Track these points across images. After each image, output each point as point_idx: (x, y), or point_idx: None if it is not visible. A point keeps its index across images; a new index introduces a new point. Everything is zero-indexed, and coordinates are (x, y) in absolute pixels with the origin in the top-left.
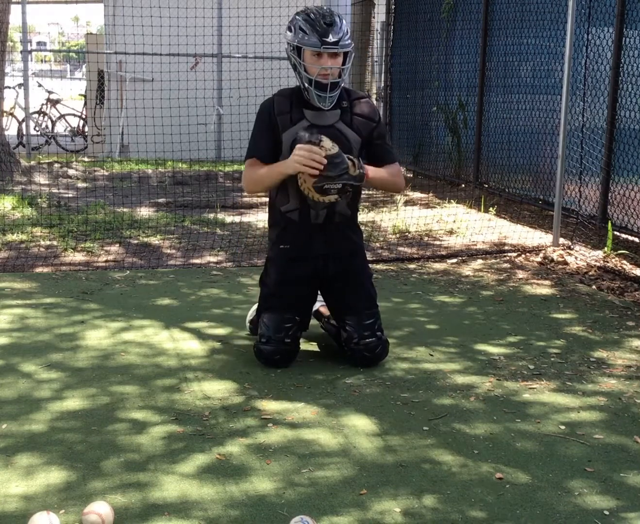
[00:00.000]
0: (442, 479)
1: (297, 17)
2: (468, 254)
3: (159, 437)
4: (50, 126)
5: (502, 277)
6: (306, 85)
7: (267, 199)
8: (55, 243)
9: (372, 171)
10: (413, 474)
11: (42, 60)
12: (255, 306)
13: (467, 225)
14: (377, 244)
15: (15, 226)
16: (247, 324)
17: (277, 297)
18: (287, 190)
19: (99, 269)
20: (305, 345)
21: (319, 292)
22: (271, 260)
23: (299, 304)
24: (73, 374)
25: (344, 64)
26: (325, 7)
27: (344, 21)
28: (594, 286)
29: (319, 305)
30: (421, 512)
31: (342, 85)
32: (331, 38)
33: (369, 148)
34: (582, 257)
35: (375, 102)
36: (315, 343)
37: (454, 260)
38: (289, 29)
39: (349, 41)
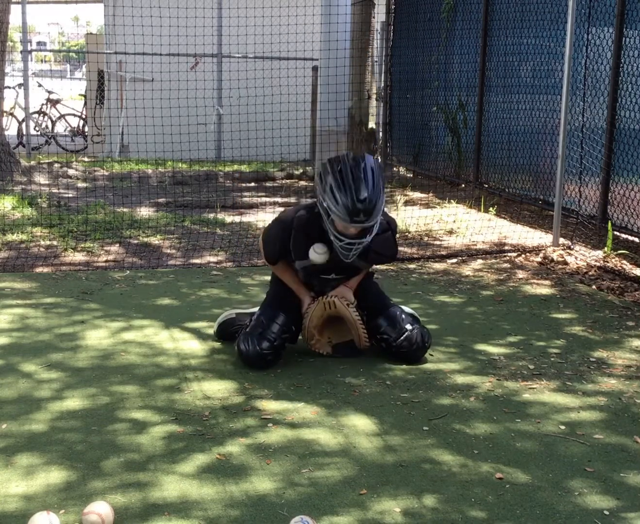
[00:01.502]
0: (442, 479)
1: (329, 169)
2: (468, 254)
3: (159, 437)
4: (50, 126)
5: (502, 277)
6: (332, 238)
7: (268, 199)
8: (55, 243)
9: (354, 283)
10: (413, 474)
11: (42, 60)
12: (220, 318)
13: (467, 225)
14: None
15: (15, 226)
16: (216, 326)
17: (286, 300)
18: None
19: (99, 269)
20: (305, 345)
21: None
22: (274, 281)
23: (299, 317)
24: (73, 374)
25: (371, 231)
26: (360, 161)
27: (376, 183)
28: (594, 286)
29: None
30: (421, 512)
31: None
32: (362, 217)
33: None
34: (582, 256)
35: (375, 103)
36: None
37: (454, 260)
38: (320, 177)
39: (380, 208)
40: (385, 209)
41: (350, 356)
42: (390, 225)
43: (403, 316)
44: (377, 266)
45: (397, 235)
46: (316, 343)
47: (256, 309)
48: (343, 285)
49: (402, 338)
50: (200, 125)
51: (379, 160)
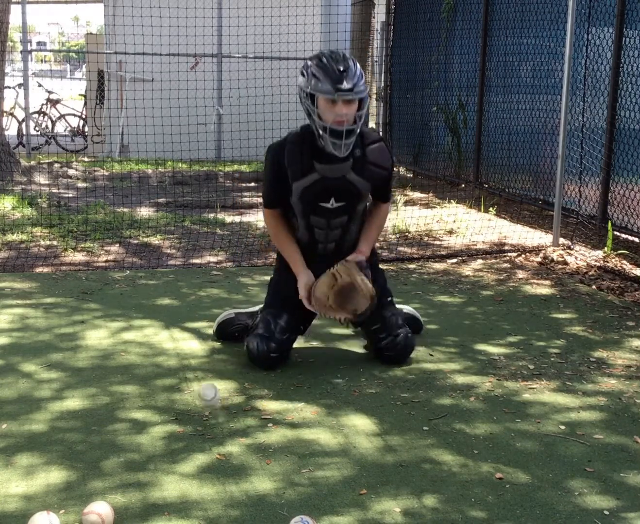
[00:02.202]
0: (442, 479)
1: (309, 62)
2: (468, 254)
3: (159, 437)
4: (50, 126)
5: (502, 277)
6: (321, 132)
7: None
8: (55, 243)
9: (366, 250)
10: (413, 474)
11: (42, 60)
12: (219, 318)
13: (467, 225)
14: (377, 244)
15: (15, 226)
16: (216, 326)
17: (288, 300)
18: (297, 221)
19: (99, 269)
20: (305, 345)
21: None
22: (279, 271)
23: (304, 314)
24: (73, 374)
25: (359, 109)
26: (339, 51)
27: (357, 65)
28: (594, 286)
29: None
30: (421, 512)
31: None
32: (345, 85)
33: (373, 188)
34: (582, 256)
35: (375, 103)
36: (316, 343)
37: (454, 260)
38: (302, 74)
39: (364, 87)
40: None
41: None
42: (383, 139)
43: (394, 319)
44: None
45: (397, 235)
46: (337, 315)
47: (256, 308)
48: (356, 251)
49: (387, 340)
50: (200, 125)
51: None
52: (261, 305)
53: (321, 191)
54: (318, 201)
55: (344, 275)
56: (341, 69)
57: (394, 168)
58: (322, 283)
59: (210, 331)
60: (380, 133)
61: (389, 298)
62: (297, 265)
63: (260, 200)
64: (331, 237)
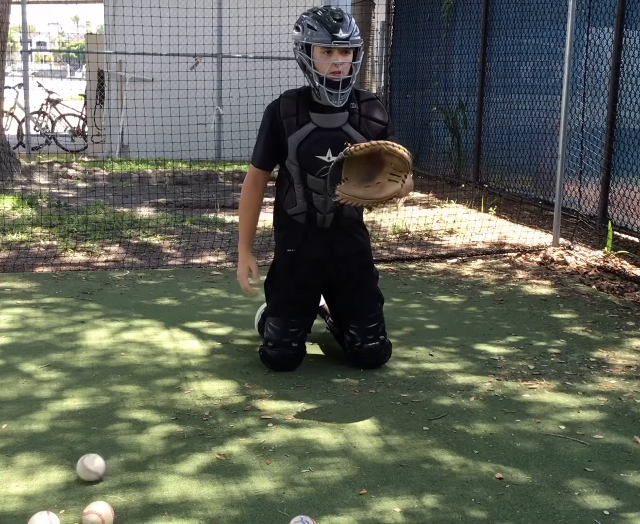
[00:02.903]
0: (442, 479)
1: (304, 16)
2: (468, 254)
3: (159, 437)
4: (50, 126)
5: (502, 277)
6: (317, 83)
7: (268, 199)
8: (55, 243)
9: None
10: (413, 474)
11: (42, 60)
12: (261, 309)
13: (467, 225)
14: (377, 244)
15: (15, 226)
16: (256, 327)
17: (284, 301)
18: (294, 193)
19: (99, 269)
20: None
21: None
22: (278, 262)
23: (306, 308)
24: (73, 374)
25: (354, 59)
26: (332, 6)
27: (352, 18)
28: (594, 286)
29: (322, 301)
30: (421, 512)
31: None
32: (341, 33)
33: None
34: (582, 256)
35: None
36: (316, 344)
37: (454, 260)
38: (297, 28)
39: (359, 37)
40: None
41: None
42: (378, 97)
43: (379, 327)
44: (376, 265)
45: (397, 235)
46: (342, 188)
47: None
48: None
49: (370, 344)
50: (200, 125)
51: None
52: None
53: (317, 142)
54: (314, 153)
55: (355, 150)
56: (337, 18)
57: (391, 121)
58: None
59: (211, 331)
60: None
61: (379, 304)
62: (245, 242)
63: None
64: (330, 205)
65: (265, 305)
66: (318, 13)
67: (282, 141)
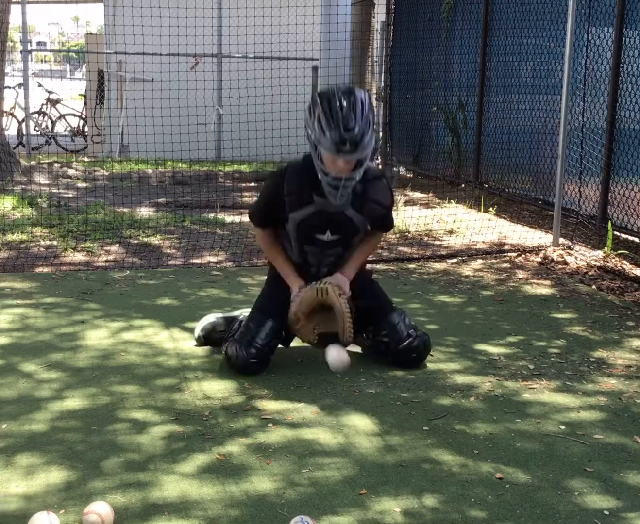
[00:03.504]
0: (442, 479)
1: (318, 101)
2: (468, 254)
3: (159, 437)
4: (50, 126)
5: (502, 277)
6: (320, 174)
7: None
8: (55, 243)
9: (350, 273)
10: (413, 474)
11: (42, 60)
12: (209, 318)
13: (467, 225)
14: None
15: (15, 226)
16: (200, 332)
17: (277, 305)
18: (290, 244)
19: (99, 269)
20: (305, 345)
21: None
22: (272, 277)
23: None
24: (73, 374)
25: (361, 162)
26: (349, 91)
27: (365, 108)
28: (594, 286)
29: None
30: (421, 512)
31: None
32: (348, 146)
33: (371, 222)
34: (582, 256)
35: (375, 103)
36: (316, 344)
37: (454, 260)
38: (309, 110)
39: (369, 141)
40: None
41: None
42: (383, 173)
43: (406, 321)
44: (376, 266)
45: (397, 235)
46: (301, 328)
47: (238, 313)
48: (340, 272)
49: (404, 344)
50: (200, 125)
51: (369, 94)
52: (242, 310)
53: (318, 223)
54: (314, 233)
55: (327, 293)
56: (347, 126)
57: (394, 201)
58: (306, 297)
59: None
60: (381, 134)
61: (393, 305)
62: (290, 276)
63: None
64: (325, 262)
65: (205, 319)
66: (331, 109)
67: (283, 212)
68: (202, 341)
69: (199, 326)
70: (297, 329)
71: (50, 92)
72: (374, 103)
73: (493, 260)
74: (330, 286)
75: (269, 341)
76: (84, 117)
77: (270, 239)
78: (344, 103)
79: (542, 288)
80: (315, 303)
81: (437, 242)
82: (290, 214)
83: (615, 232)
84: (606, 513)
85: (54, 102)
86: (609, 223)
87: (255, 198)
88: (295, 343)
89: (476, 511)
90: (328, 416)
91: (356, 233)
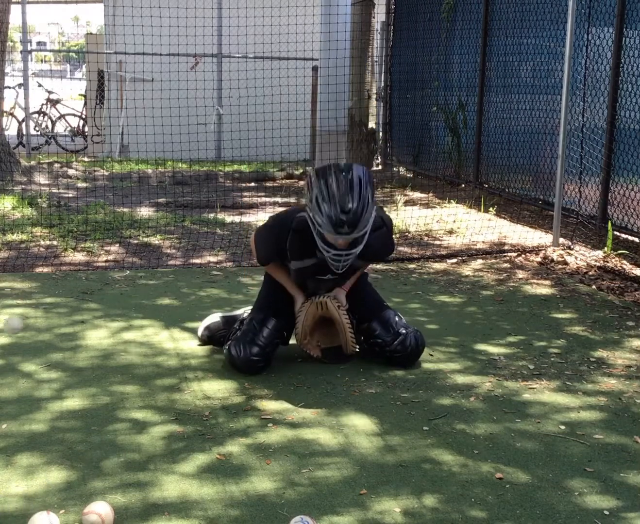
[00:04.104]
0: (442, 479)
1: (315, 180)
2: (468, 254)
3: (159, 437)
4: (50, 126)
5: (502, 277)
6: (321, 250)
7: (268, 199)
8: (55, 243)
9: (347, 285)
10: (413, 474)
11: (42, 60)
12: (212, 317)
13: (467, 225)
14: None
15: (15, 226)
16: (203, 331)
17: (277, 303)
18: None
19: (99, 269)
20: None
21: None
22: (270, 276)
23: (287, 308)
24: (73, 374)
25: (360, 239)
26: (346, 171)
27: (362, 195)
28: (594, 286)
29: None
30: (421, 512)
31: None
32: (346, 228)
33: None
34: (582, 256)
35: (375, 103)
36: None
37: (454, 260)
38: (307, 188)
39: (367, 222)
40: (379, 209)
41: (338, 363)
42: (384, 221)
43: (397, 319)
44: (376, 266)
45: (397, 235)
46: (307, 343)
47: (240, 311)
48: (338, 287)
49: (396, 342)
50: (200, 125)
51: (368, 170)
52: (246, 308)
53: (318, 269)
54: (314, 275)
55: (326, 307)
56: (345, 210)
57: (394, 245)
58: (309, 312)
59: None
60: (380, 140)
61: (385, 303)
62: (294, 289)
63: (260, 200)
64: (323, 289)
65: (208, 319)
66: (329, 193)
67: (284, 258)
68: (206, 340)
69: (203, 325)
70: (304, 344)
71: (50, 92)
72: (374, 103)
73: (493, 260)
74: (328, 300)
75: (272, 340)
76: (84, 117)
77: (276, 265)
78: (342, 183)
79: (542, 288)
80: (317, 317)
81: (437, 242)
82: (292, 262)
83: (615, 232)
84: (606, 513)
85: (54, 102)
86: (609, 223)
87: (255, 198)
88: (293, 340)
89: (476, 511)
90: (328, 416)
91: (355, 271)
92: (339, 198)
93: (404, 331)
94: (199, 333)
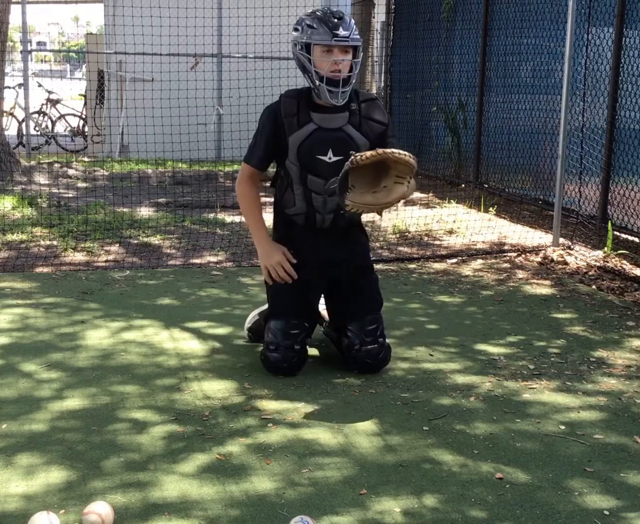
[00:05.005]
0: (442, 479)
1: (304, 17)
2: (468, 254)
3: (159, 437)
4: (50, 126)
5: (502, 277)
6: (317, 82)
7: (271, 199)
8: (55, 243)
9: None
10: (413, 474)
11: (42, 60)
12: (253, 313)
13: (467, 225)
14: (377, 244)
15: (15, 226)
16: (246, 332)
17: (284, 300)
18: (293, 193)
19: (99, 269)
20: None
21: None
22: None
23: (306, 308)
24: (73, 374)
25: (354, 58)
26: (331, 7)
27: (352, 19)
28: (594, 286)
29: (321, 308)
30: (421, 512)
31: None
32: (342, 31)
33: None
34: (582, 256)
35: None
36: (316, 344)
37: (454, 260)
38: (296, 29)
39: (358, 35)
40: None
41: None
42: (376, 97)
43: (378, 330)
44: (376, 266)
45: (397, 235)
46: (352, 197)
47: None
48: None
49: (364, 348)
50: (200, 125)
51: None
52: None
53: (319, 142)
54: (315, 153)
55: (364, 158)
56: (337, 17)
57: (392, 122)
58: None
59: (211, 331)
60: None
61: (378, 307)
62: (264, 232)
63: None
64: (329, 206)
65: (255, 312)
66: (318, 13)
67: (283, 141)
68: (252, 338)
69: (246, 323)
70: (347, 201)
71: (50, 92)
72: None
73: (493, 260)
74: (355, 155)
75: (301, 332)
76: (84, 117)
77: (254, 189)
78: (329, 8)
79: (542, 288)
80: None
81: (437, 242)
82: (290, 137)
83: (615, 232)
84: (606, 513)
85: (54, 102)
86: (609, 223)
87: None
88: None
89: (476, 511)
90: (328, 416)
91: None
92: (330, 12)
93: (381, 341)
94: (245, 329)
